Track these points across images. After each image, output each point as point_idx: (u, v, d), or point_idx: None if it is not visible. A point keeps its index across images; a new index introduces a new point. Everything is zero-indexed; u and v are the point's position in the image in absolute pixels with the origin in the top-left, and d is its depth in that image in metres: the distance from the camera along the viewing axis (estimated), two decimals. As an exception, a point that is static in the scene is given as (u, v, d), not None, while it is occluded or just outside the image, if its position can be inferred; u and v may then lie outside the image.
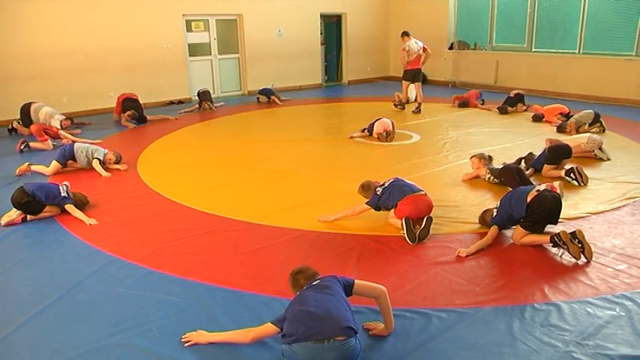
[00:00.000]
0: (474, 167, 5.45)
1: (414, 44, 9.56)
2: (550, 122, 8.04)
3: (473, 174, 5.44)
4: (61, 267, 3.73)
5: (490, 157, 5.52)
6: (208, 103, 10.28)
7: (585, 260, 3.56)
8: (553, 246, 3.67)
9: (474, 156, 5.52)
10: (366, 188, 4.43)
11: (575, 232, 3.64)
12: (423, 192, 4.30)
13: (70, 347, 2.74)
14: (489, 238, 3.84)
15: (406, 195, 4.19)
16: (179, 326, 2.89)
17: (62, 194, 4.68)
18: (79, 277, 3.53)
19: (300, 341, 2.38)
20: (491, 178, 5.26)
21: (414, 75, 9.67)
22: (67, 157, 6.09)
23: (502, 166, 5.29)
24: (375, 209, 4.34)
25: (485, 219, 4.16)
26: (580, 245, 3.55)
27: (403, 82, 9.88)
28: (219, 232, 4.26)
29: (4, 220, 4.54)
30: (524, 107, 9.22)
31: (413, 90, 10.79)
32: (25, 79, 9.23)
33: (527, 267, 3.55)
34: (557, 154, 5.56)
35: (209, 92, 10.58)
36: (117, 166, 6.16)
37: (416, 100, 9.88)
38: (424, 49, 9.61)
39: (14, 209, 4.60)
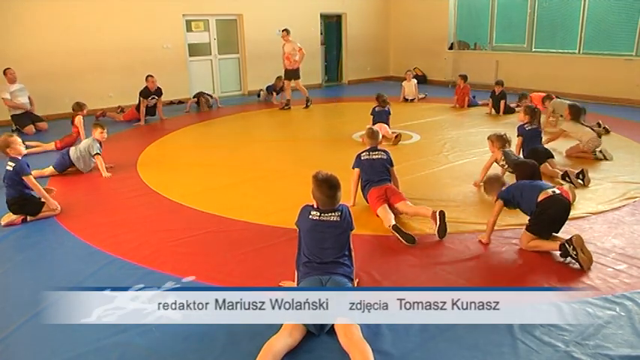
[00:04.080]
0: (489, 149, 5.21)
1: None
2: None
3: (490, 161, 5.15)
4: (61, 267, 3.73)
5: (505, 138, 5.07)
6: (205, 96, 10.32)
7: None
8: (562, 255, 3.51)
9: (492, 135, 5.16)
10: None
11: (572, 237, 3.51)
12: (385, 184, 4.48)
13: (70, 347, 2.74)
14: (495, 214, 3.82)
15: (372, 188, 4.46)
16: (179, 326, 2.87)
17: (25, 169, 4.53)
18: (79, 277, 3.52)
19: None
20: (505, 165, 5.01)
21: (298, 74, 10.28)
22: (67, 165, 5.96)
23: (517, 158, 5.05)
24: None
25: (492, 186, 4.01)
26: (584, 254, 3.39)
27: (286, 81, 10.34)
28: (219, 232, 4.26)
29: (4, 220, 4.53)
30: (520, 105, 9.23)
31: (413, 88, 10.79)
32: (25, 79, 9.16)
33: (527, 267, 3.55)
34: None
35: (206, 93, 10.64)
36: (104, 165, 5.94)
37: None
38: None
39: (14, 209, 4.60)
